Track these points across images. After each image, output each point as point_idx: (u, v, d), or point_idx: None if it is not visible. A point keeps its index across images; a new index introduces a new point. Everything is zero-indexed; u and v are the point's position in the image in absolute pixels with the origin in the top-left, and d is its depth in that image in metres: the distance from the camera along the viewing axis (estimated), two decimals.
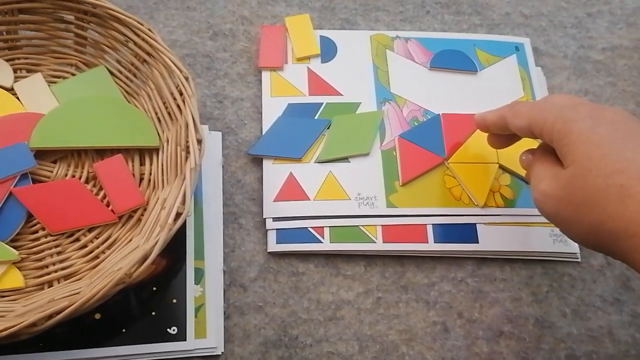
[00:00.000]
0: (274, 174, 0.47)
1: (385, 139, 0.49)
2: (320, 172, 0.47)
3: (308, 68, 0.52)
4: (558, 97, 0.40)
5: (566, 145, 0.36)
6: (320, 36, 0.54)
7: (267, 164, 0.48)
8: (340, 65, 0.53)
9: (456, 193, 0.48)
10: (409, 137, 0.49)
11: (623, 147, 0.34)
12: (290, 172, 0.47)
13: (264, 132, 0.49)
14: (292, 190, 0.46)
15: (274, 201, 0.46)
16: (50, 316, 0.34)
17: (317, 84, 0.51)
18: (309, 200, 0.46)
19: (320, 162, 0.48)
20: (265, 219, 0.46)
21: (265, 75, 0.52)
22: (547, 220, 0.47)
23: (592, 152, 0.35)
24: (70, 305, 0.34)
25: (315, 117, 0.50)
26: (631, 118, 0.36)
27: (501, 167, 0.49)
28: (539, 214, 0.47)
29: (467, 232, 0.46)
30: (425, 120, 0.50)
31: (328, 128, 0.49)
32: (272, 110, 0.50)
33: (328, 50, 0.53)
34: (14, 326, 0.33)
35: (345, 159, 0.48)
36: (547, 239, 0.47)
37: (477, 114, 0.45)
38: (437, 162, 0.48)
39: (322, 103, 0.50)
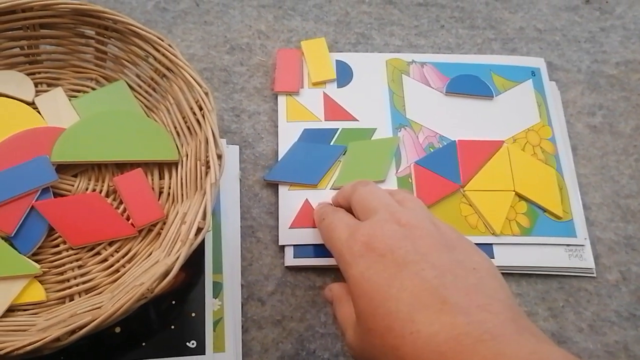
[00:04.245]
0: (290, 200, 0.47)
1: (401, 166, 0.49)
2: None
3: (324, 93, 0.52)
4: (355, 197, 0.39)
5: (350, 289, 0.35)
6: (336, 60, 0.54)
7: (282, 190, 0.48)
8: (356, 90, 0.53)
9: (472, 221, 0.47)
10: (424, 164, 0.49)
11: (388, 295, 0.32)
12: (306, 199, 0.47)
13: (279, 158, 0.49)
14: (308, 217, 0.46)
15: (290, 228, 0.46)
16: (73, 331, 0.34)
17: (333, 109, 0.51)
18: None
19: (336, 188, 0.48)
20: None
21: (281, 100, 0.52)
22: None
23: (366, 307, 0.33)
24: (94, 320, 0.34)
25: (331, 143, 0.50)
26: (401, 237, 0.34)
27: (517, 194, 0.49)
28: (556, 242, 0.47)
29: (483, 249, 0.46)
30: (441, 146, 0.50)
31: (344, 154, 0.49)
32: (288, 135, 0.50)
33: (344, 75, 0.53)
34: (38, 341, 0.34)
35: None
36: (562, 254, 0.47)
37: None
38: (453, 190, 0.48)
39: (337, 129, 0.50)
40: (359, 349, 0.35)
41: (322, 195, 0.47)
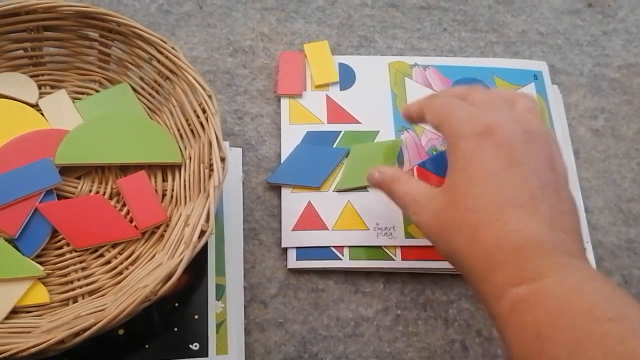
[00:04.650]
0: (293, 202, 0.47)
1: (404, 168, 0.49)
2: (338, 201, 0.47)
3: (327, 95, 0.52)
4: (476, 95, 0.39)
5: (452, 162, 0.37)
6: (339, 63, 0.54)
7: (285, 192, 0.48)
8: (358, 92, 0.53)
9: None
10: (427, 166, 0.49)
11: (490, 181, 0.34)
12: (309, 201, 0.47)
13: (282, 160, 0.49)
14: (310, 220, 0.46)
15: (293, 230, 0.46)
16: (77, 333, 0.34)
17: (336, 112, 0.51)
18: (328, 230, 0.46)
19: (339, 191, 0.48)
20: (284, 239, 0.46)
21: (284, 102, 0.52)
22: None
23: (463, 183, 0.35)
24: (98, 323, 0.34)
25: (334, 146, 0.50)
26: (521, 141, 0.35)
27: None
28: None
29: None
30: (443, 149, 0.50)
31: (347, 156, 0.49)
32: (291, 138, 0.50)
33: (346, 78, 0.53)
34: (42, 343, 0.34)
35: (363, 189, 0.48)
36: None
37: (403, 106, 0.46)
38: None
39: (340, 131, 0.50)
40: (428, 218, 0.37)
41: (325, 198, 0.47)
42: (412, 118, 0.43)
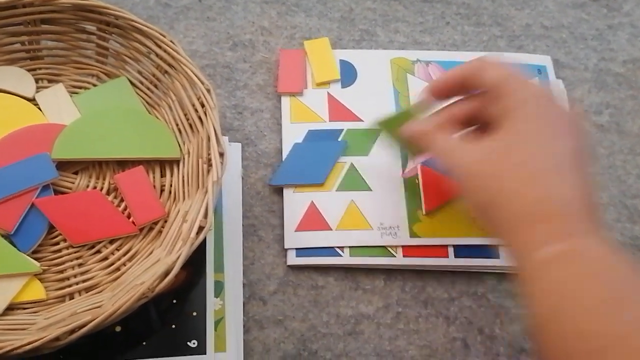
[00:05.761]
0: (295, 203, 0.47)
1: (408, 166, 0.48)
2: (341, 201, 0.47)
3: (328, 93, 0.51)
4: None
5: (514, 115, 0.37)
6: (340, 60, 0.53)
7: (287, 193, 0.47)
8: (360, 90, 0.52)
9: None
10: (432, 164, 0.48)
11: (551, 143, 0.35)
12: (312, 201, 0.46)
13: (283, 159, 0.48)
14: (313, 220, 0.46)
15: (296, 231, 0.45)
16: (73, 330, 0.34)
17: (338, 110, 0.51)
18: (331, 230, 0.45)
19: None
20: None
21: (285, 101, 0.51)
22: None
23: (525, 135, 0.36)
24: (94, 320, 0.34)
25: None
26: (573, 116, 0.38)
27: None
28: None
29: (491, 250, 0.45)
30: None
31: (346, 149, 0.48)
32: (292, 136, 0.49)
33: (348, 75, 0.52)
34: (36, 340, 0.33)
35: (367, 189, 0.47)
36: None
37: (428, 84, 0.42)
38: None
39: (342, 129, 0.50)
40: (473, 161, 0.37)
41: (328, 197, 0.47)
42: (449, 86, 0.41)
